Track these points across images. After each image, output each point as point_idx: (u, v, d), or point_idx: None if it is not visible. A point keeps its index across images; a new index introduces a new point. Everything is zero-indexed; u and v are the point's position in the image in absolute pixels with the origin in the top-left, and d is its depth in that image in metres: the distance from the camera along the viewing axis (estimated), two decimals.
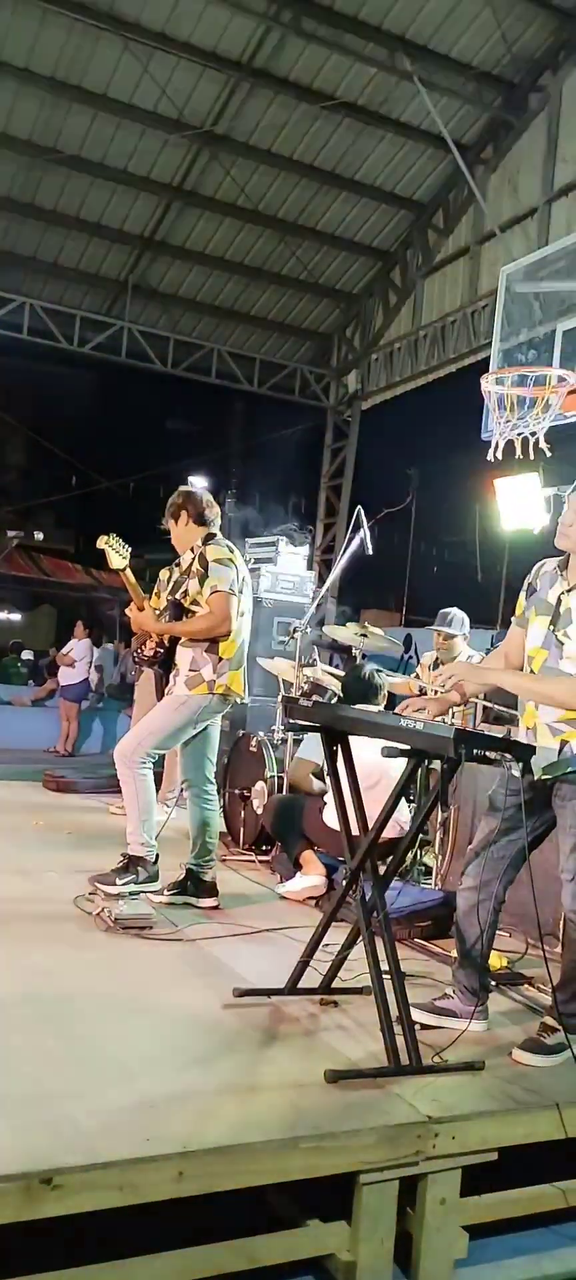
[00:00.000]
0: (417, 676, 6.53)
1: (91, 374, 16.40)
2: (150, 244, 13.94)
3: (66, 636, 13.13)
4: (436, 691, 3.75)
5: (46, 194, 12.99)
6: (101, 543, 4.71)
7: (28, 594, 23.04)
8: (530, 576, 3.60)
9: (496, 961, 4.03)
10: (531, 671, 3.45)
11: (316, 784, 5.56)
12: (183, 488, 4.92)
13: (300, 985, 3.55)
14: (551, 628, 3.39)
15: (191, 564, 4.69)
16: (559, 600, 3.41)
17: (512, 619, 3.68)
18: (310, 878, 5.01)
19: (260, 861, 5.74)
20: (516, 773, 3.31)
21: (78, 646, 12.79)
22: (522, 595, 3.62)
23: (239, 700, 4.79)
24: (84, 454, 22.03)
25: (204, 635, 4.60)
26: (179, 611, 4.64)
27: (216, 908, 4.69)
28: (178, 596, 4.67)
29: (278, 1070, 3.05)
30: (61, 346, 14.15)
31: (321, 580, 7.87)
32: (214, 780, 4.85)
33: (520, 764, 3.24)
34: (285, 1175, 2.58)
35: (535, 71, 11.79)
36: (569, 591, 3.39)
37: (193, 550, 4.72)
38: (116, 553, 4.71)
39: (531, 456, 6.83)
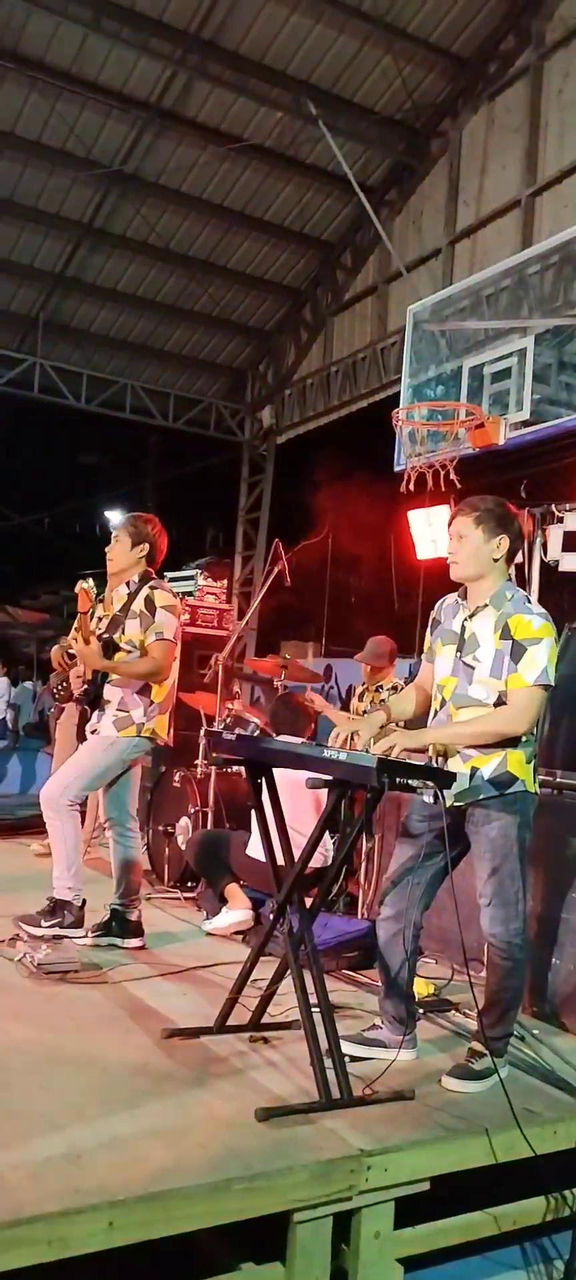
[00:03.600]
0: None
1: (3, 410, 16.13)
2: (61, 281, 13.84)
3: None
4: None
5: None
6: (79, 587, 4.68)
7: None
8: (434, 612, 3.67)
9: (423, 989, 4.07)
10: (442, 700, 3.50)
11: None
12: (145, 515, 4.84)
13: (229, 1023, 3.52)
14: (458, 655, 3.46)
15: (130, 604, 4.60)
16: (463, 627, 3.48)
17: (422, 655, 3.74)
18: (236, 912, 4.97)
19: (185, 898, 5.68)
20: (428, 799, 3.35)
21: None
22: (428, 632, 3.68)
23: (161, 743, 4.75)
24: None
25: (142, 679, 4.56)
26: (110, 650, 4.57)
27: (142, 948, 4.62)
28: (115, 636, 4.58)
29: (208, 1111, 3.01)
30: None
31: (241, 613, 7.87)
32: (136, 818, 4.79)
33: (434, 791, 3.28)
34: (218, 1218, 2.54)
35: (436, 117, 12.15)
36: (471, 617, 3.46)
37: (128, 586, 4.65)
38: (88, 596, 4.68)
39: (442, 488, 6.99)
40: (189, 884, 5.77)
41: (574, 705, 4.78)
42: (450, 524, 3.52)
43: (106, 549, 4.76)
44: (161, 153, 12.28)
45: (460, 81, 11.77)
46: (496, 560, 3.44)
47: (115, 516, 4.99)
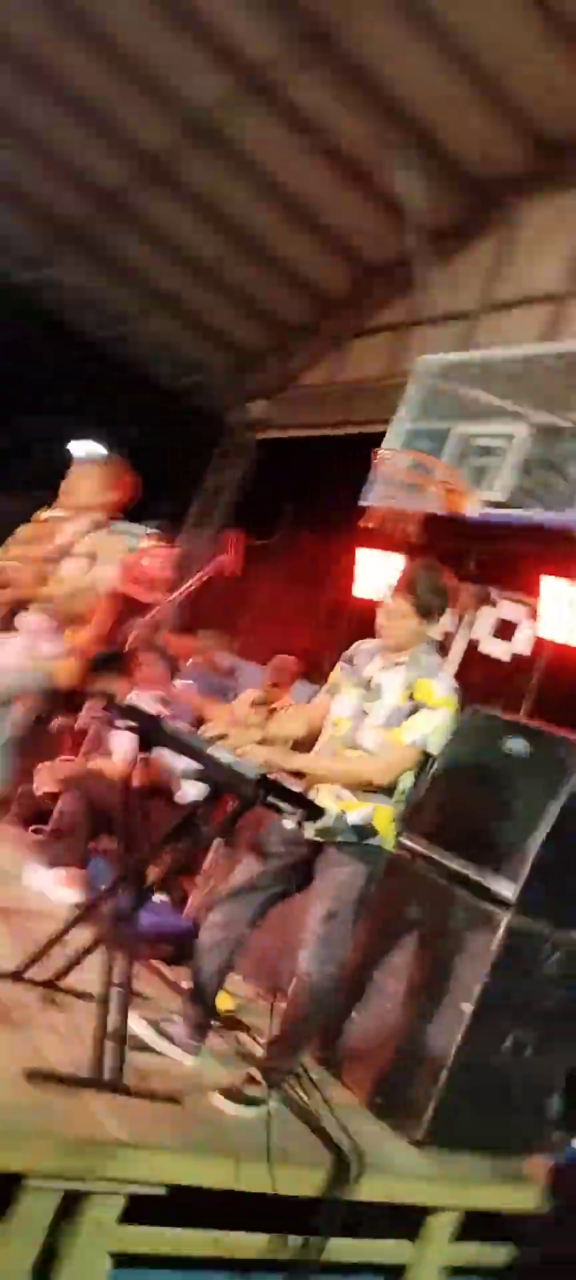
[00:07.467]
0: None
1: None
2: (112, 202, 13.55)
3: None
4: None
5: None
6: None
7: None
8: (350, 650, 3.67)
9: (225, 1001, 4.01)
10: (331, 737, 3.52)
11: None
12: (123, 461, 4.74)
13: (27, 975, 3.40)
14: (360, 699, 3.48)
15: (73, 543, 4.47)
16: (372, 677, 3.50)
17: (323, 687, 3.74)
18: (64, 891, 4.71)
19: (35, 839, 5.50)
20: (288, 824, 3.33)
21: None
22: (338, 668, 3.68)
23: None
24: None
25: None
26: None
27: None
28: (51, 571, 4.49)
29: None
30: None
31: (173, 589, 7.76)
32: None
33: (294, 819, 3.27)
34: None
35: (503, 186, 12.03)
36: (383, 670, 3.49)
37: (79, 525, 4.52)
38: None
39: (401, 539, 7.01)
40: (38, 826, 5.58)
41: (458, 784, 4.69)
42: (392, 595, 3.52)
43: (69, 475, 4.63)
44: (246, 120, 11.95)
45: (540, 163, 11.64)
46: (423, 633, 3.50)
47: (85, 446, 4.87)
